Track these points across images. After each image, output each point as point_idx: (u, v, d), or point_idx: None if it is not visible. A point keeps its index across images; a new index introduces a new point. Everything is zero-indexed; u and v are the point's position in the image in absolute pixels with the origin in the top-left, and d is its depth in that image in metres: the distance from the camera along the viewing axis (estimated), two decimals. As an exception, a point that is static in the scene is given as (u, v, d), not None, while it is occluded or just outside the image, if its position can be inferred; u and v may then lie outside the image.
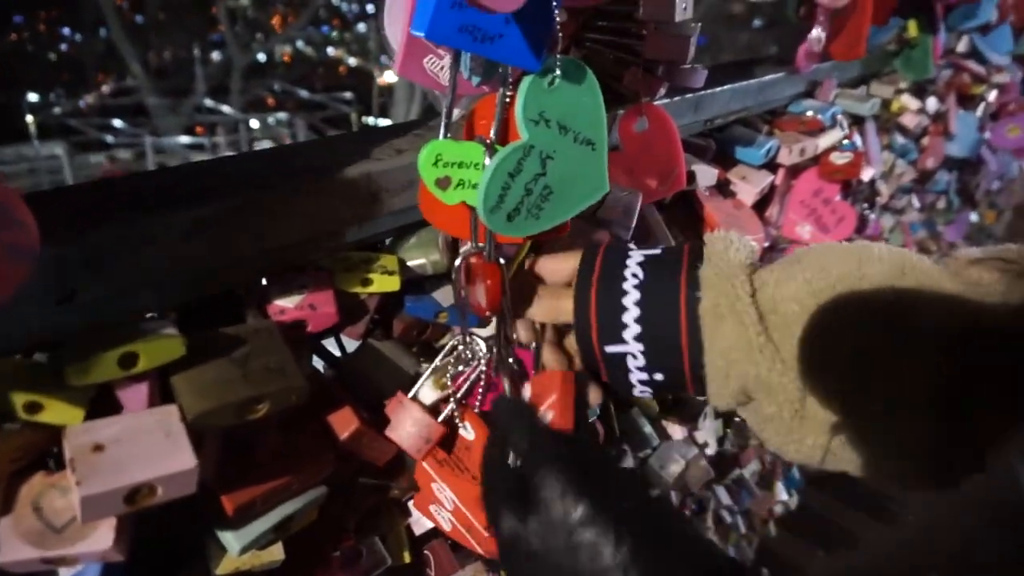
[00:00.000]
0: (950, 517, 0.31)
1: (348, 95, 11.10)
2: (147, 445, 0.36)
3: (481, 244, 0.48)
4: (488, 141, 0.45)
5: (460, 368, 0.53)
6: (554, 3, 0.42)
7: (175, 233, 0.38)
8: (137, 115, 9.85)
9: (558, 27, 0.44)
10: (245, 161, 0.47)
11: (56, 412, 0.35)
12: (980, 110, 1.52)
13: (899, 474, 0.44)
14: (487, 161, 0.43)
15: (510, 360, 0.55)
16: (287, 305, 0.46)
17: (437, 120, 0.56)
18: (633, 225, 0.61)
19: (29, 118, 9.43)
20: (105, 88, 10.74)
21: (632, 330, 0.47)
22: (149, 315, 0.41)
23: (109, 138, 9.72)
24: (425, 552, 0.65)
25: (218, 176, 0.44)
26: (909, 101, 1.27)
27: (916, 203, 1.58)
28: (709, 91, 0.79)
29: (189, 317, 0.43)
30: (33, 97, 10.16)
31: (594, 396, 0.54)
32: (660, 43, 0.58)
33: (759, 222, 0.86)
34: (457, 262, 0.49)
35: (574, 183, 0.47)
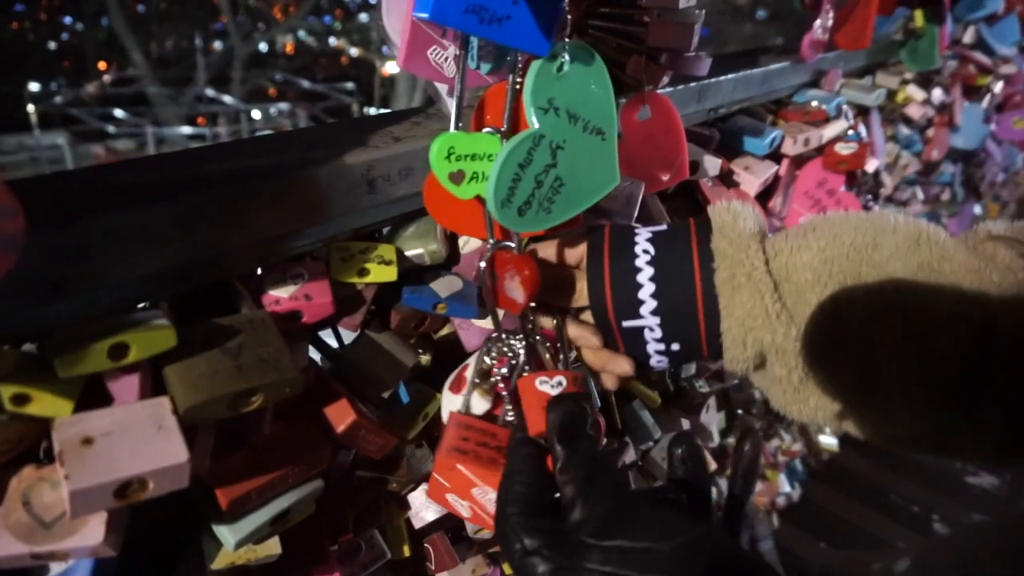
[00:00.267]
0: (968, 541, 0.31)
1: (350, 85, 11.07)
2: (138, 438, 0.35)
3: (498, 239, 0.48)
4: (502, 130, 0.44)
5: (504, 371, 0.52)
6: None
7: (167, 222, 0.37)
8: (138, 105, 9.82)
9: (566, 9, 0.43)
10: (239, 149, 0.46)
11: (44, 404, 0.34)
12: (986, 101, 1.51)
13: (898, 442, 0.45)
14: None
15: (545, 352, 0.54)
16: (282, 295, 0.45)
17: (435, 107, 0.56)
18: (635, 215, 0.60)
19: (30, 107, 9.40)
20: (107, 77, 10.70)
21: (648, 305, 0.47)
22: (141, 305, 0.40)
23: (111, 128, 9.70)
24: (425, 545, 0.65)
25: (212, 164, 0.43)
26: (915, 92, 1.26)
27: (920, 195, 1.56)
28: (713, 80, 0.78)
29: (182, 307, 0.42)
30: (34, 86, 10.12)
31: (627, 366, 0.53)
32: (663, 31, 0.57)
33: (763, 213, 0.85)
34: (483, 263, 0.48)
35: (585, 174, 0.46)
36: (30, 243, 0.31)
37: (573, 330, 0.53)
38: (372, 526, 0.59)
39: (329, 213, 0.46)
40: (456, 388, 0.55)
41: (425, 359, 0.59)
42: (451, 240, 0.55)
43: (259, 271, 0.47)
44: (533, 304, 0.51)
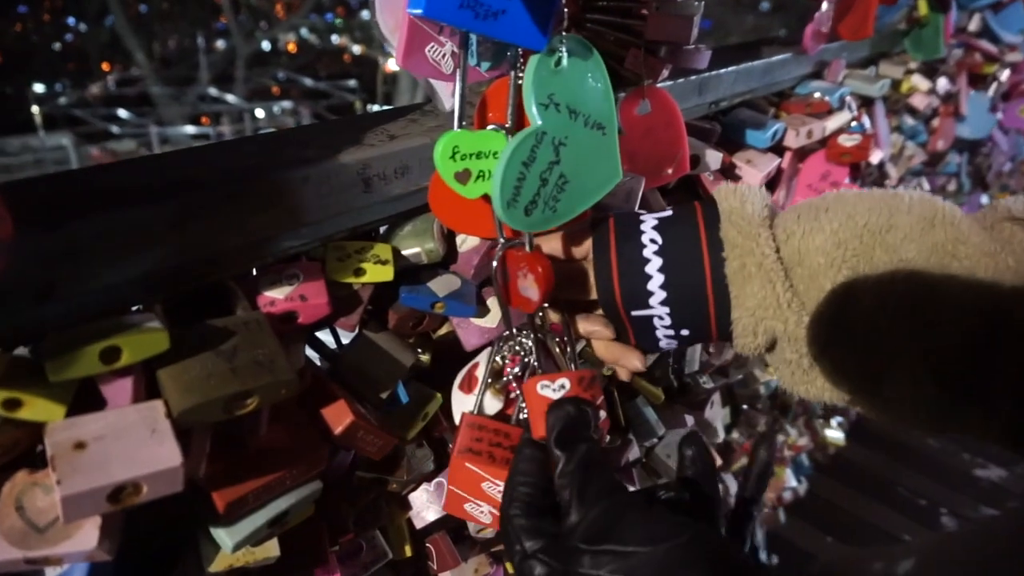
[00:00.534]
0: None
1: (352, 83, 11.06)
2: (131, 442, 0.34)
3: (509, 237, 0.47)
4: (507, 127, 0.43)
5: (517, 371, 0.52)
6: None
7: (158, 224, 0.37)
8: (142, 105, 9.85)
9: (563, 2, 0.42)
10: (233, 149, 0.46)
11: (36, 409, 0.34)
12: (992, 90, 1.49)
13: (904, 422, 0.45)
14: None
15: (555, 346, 0.53)
16: (277, 296, 0.45)
17: (431, 104, 0.55)
18: (635, 210, 0.60)
19: (35, 109, 9.44)
20: (110, 78, 10.73)
21: (658, 296, 0.46)
22: (134, 308, 0.40)
23: (115, 128, 9.73)
24: (426, 545, 0.65)
25: (205, 165, 0.43)
26: (919, 81, 1.25)
27: (926, 186, 1.55)
28: (714, 73, 0.77)
29: (176, 309, 0.42)
30: (39, 88, 10.15)
31: (638, 363, 0.53)
32: (662, 23, 0.57)
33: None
34: (494, 263, 0.48)
35: (588, 171, 0.46)
36: (19, 246, 0.31)
37: (584, 325, 0.53)
38: (373, 526, 0.59)
39: (324, 212, 0.45)
40: (467, 387, 0.55)
41: (424, 358, 0.59)
42: (448, 238, 0.55)
43: (254, 272, 0.46)
44: (547, 304, 0.51)
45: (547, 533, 0.37)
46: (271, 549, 0.46)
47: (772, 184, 0.91)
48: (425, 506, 0.61)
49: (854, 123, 0.98)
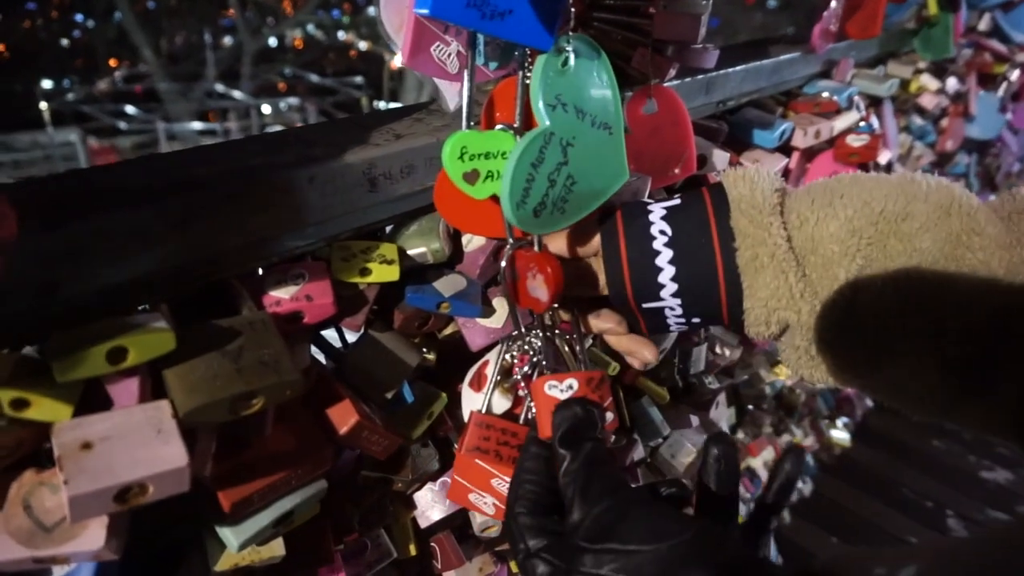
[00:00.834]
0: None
1: (359, 79, 11.07)
2: (137, 442, 0.34)
3: (518, 238, 0.47)
4: (515, 127, 0.43)
5: (526, 370, 0.52)
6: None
7: (162, 223, 0.37)
8: (149, 101, 9.88)
9: (570, 2, 0.42)
10: (239, 148, 0.46)
11: (43, 409, 0.34)
12: (1002, 90, 1.48)
13: (905, 408, 0.45)
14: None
15: (564, 344, 0.54)
16: (283, 296, 0.45)
17: (437, 104, 0.55)
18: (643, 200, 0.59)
19: (43, 105, 9.47)
20: (118, 74, 10.76)
21: (669, 288, 0.46)
22: (140, 308, 0.40)
23: (122, 124, 9.76)
24: (431, 544, 0.65)
25: (210, 164, 0.43)
26: (928, 81, 1.24)
27: (935, 186, 1.54)
28: (721, 72, 0.77)
29: (182, 309, 0.42)
30: (47, 84, 10.20)
31: (650, 356, 0.53)
32: (670, 22, 0.56)
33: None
34: (503, 263, 0.48)
35: (595, 171, 0.46)
36: (21, 245, 0.31)
37: (597, 322, 0.53)
38: (378, 525, 0.59)
39: (330, 212, 0.45)
40: (476, 386, 0.55)
41: (430, 358, 0.59)
42: (454, 238, 0.55)
43: (259, 271, 0.46)
44: (556, 305, 0.50)
45: (551, 532, 0.37)
46: (276, 548, 0.46)
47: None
48: (430, 505, 0.61)
49: (862, 123, 0.98)
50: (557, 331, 0.53)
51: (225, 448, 0.42)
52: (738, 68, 0.80)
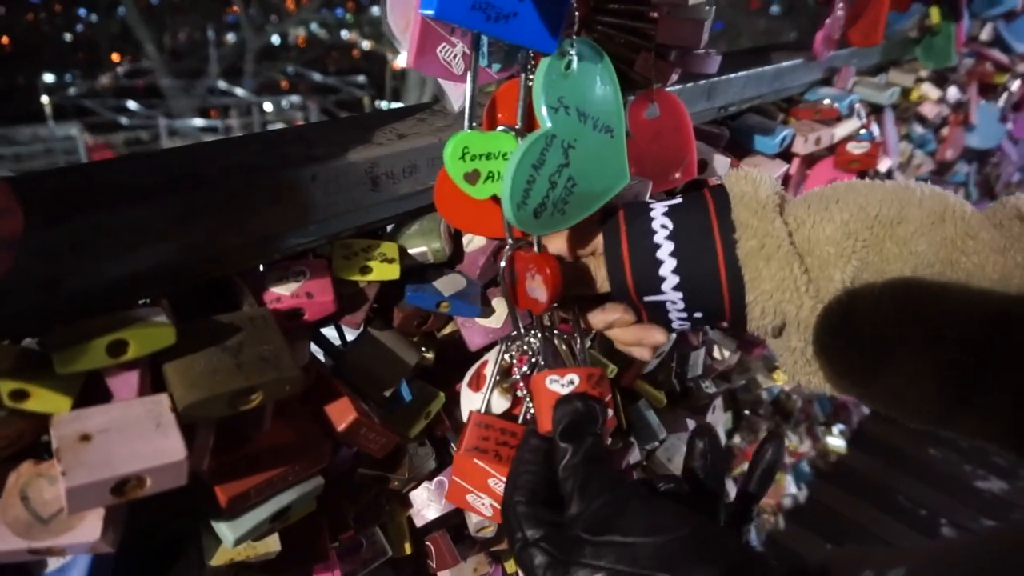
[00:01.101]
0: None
1: (361, 79, 11.08)
2: (136, 435, 0.35)
3: (519, 238, 0.47)
4: (517, 128, 0.43)
5: (525, 370, 0.52)
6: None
7: (164, 219, 0.37)
8: (151, 96, 9.88)
9: (574, 5, 0.43)
10: (241, 145, 0.46)
11: (43, 400, 0.34)
12: (1002, 100, 1.49)
13: (901, 415, 0.45)
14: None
15: (563, 344, 0.54)
16: (283, 293, 0.45)
17: (440, 104, 0.55)
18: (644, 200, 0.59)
19: (45, 99, 9.48)
20: (120, 69, 10.76)
21: (671, 281, 0.46)
22: (141, 302, 0.40)
23: (124, 119, 9.76)
24: (426, 543, 0.65)
25: (212, 161, 0.43)
26: (929, 90, 1.24)
27: (934, 194, 1.54)
28: (723, 77, 0.77)
29: (183, 304, 0.42)
30: (49, 78, 10.19)
31: (660, 336, 0.52)
32: (672, 27, 0.57)
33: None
34: (502, 263, 0.48)
35: (596, 174, 0.46)
36: (25, 240, 0.31)
37: (602, 316, 0.52)
38: (373, 523, 0.59)
39: (332, 210, 0.46)
40: (475, 385, 0.55)
41: (428, 357, 0.59)
42: (455, 238, 0.55)
43: (261, 268, 0.47)
44: (556, 305, 0.50)
45: (549, 522, 0.38)
46: (272, 544, 0.47)
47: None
48: (426, 504, 0.61)
49: (863, 130, 0.98)
50: (556, 331, 0.53)
51: (223, 443, 0.42)
52: (740, 74, 0.81)
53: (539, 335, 0.52)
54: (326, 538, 0.53)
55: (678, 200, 0.49)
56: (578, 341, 0.53)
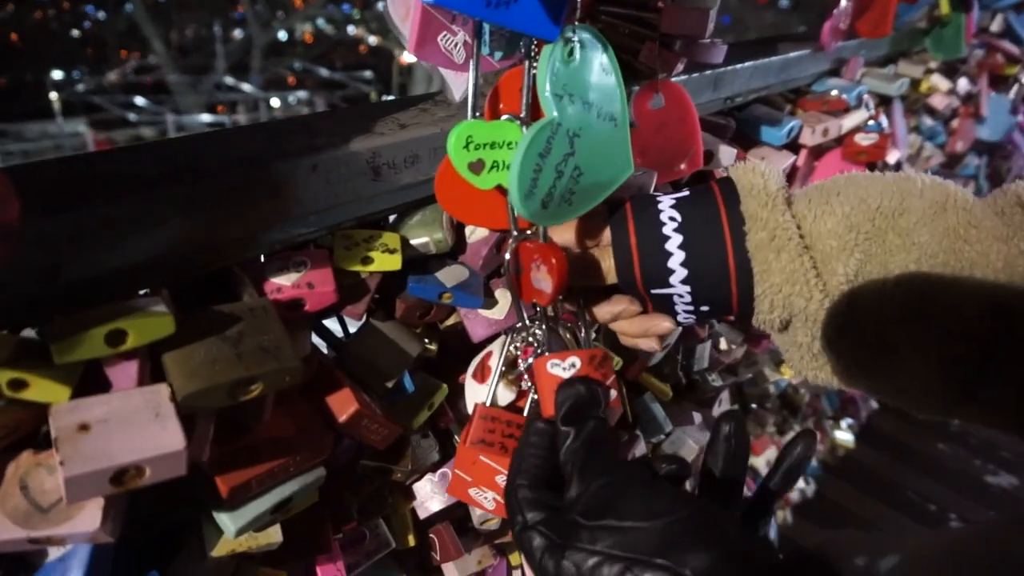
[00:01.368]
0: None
1: (368, 74, 11.09)
2: (135, 425, 0.34)
3: (524, 229, 0.47)
4: (522, 117, 0.43)
5: (530, 361, 0.52)
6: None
7: (164, 210, 0.37)
8: (159, 93, 9.92)
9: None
10: (243, 136, 0.46)
11: (41, 390, 0.34)
12: (1013, 92, 1.47)
13: (908, 407, 0.45)
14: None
15: (567, 332, 0.53)
16: (284, 283, 0.45)
17: (443, 95, 0.55)
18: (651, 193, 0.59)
19: (53, 95, 9.52)
20: (128, 66, 10.80)
21: (679, 273, 0.46)
22: (141, 292, 0.40)
23: (132, 115, 9.80)
24: (430, 535, 0.65)
25: (214, 151, 0.43)
26: (939, 81, 1.23)
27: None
28: (729, 68, 0.77)
29: (184, 294, 0.42)
30: (57, 74, 10.24)
31: (667, 324, 0.51)
32: (678, 17, 0.56)
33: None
34: (507, 255, 0.48)
35: (601, 163, 0.45)
36: (25, 229, 0.31)
37: (609, 308, 0.51)
38: (377, 515, 0.59)
39: (333, 200, 0.45)
40: (480, 377, 0.55)
41: (431, 348, 0.58)
42: (457, 229, 0.55)
43: (261, 258, 0.46)
44: (560, 297, 0.50)
45: (550, 506, 0.38)
46: (273, 535, 0.46)
47: (787, 182, 0.90)
48: (429, 496, 0.61)
49: (871, 122, 0.97)
50: (560, 322, 0.53)
51: (224, 433, 0.42)
52: (746, 64, 0.80)
53: (543, 326, 0.51)
54: (329, 529, 0.53)
55: (685, 193, 0.49)
56: (583, 331, 0.52)
